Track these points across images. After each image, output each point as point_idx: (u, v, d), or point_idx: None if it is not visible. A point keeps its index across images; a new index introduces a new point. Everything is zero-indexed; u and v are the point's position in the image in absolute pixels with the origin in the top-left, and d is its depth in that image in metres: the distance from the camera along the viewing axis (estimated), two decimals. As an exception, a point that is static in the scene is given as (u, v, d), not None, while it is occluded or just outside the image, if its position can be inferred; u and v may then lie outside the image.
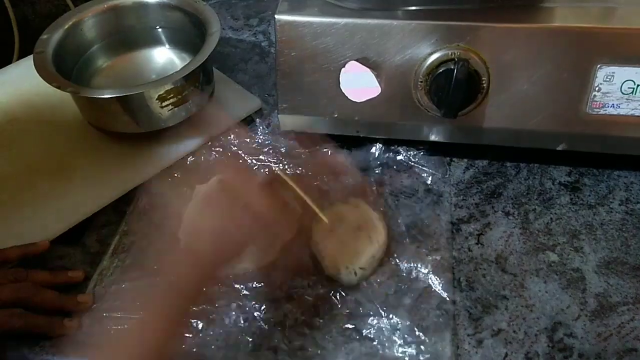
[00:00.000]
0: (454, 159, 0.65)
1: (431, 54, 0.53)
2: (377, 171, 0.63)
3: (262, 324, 0.51)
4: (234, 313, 0.52)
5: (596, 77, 0.52)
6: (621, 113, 0.54)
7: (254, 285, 0.54)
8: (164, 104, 0.62)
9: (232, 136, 0.67)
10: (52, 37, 0.66)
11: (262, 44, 0.81)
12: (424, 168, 0.63)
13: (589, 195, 0.61)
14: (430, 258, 0.55)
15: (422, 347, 0.49)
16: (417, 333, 0.50)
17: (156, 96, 0.61)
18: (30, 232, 0.58)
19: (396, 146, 0.64)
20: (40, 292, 0.52)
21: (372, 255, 0.53)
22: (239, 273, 0.55)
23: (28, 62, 0.73)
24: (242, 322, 0.52)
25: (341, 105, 0.58)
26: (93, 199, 0.62)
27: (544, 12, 0.53)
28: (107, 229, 0.60)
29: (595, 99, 0.53)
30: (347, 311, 0.52)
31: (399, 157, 0.64)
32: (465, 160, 0.64)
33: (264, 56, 0.80)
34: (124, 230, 0.60)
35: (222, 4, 0.88)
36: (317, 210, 0.51)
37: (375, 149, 0.64)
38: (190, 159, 0.66)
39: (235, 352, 0.50)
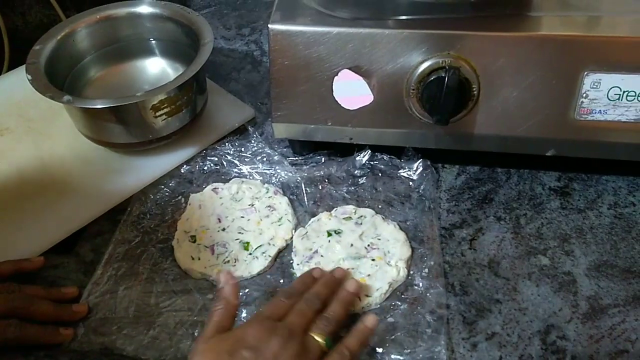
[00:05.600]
0: (445, 166, 0.65)
1: (422, 62, 0.54)
2: (367, 178, 0.64)
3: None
4: (229, 321, 0.52)
5: (583, 84, 0.53)
6: (608, 119, 0.55)
7: (248, 292, 0.55)
8: (157, 113, 0.62)
9: (226, 145, 0.67)
10: (45, 48, 0.66)
11: (254, 53, 0.82)
12: (415, 175, 0.64)
13: (579, 200, 0.62)
14: (424, 263, 0.56)
15: (417, 351, 0.50)
16: (411, 338, 0.51)
17: (150, 106, 0.61)
18: (24, 242, 0.58)
19: (388, 153, 0.65)
20: (35, 303, 0.52)
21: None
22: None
23: (19, 72, 0.73)
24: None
25: (334, 113, 0.58)
26: (87, 208, 0.62)
27: (532, 20, 0.54)
28: (101, 238, 0.60)
29: (583, 106, 0.55)
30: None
31: (388, 165, 0.64)
32: (457, 166, 0.65)
33: (256, 65, 0.80)
34: (117, 239, 0.59)
35: (214, 13, 0.88)
36: None
37: (362, 156, 0.64)
38: (184, 168, 0.66)
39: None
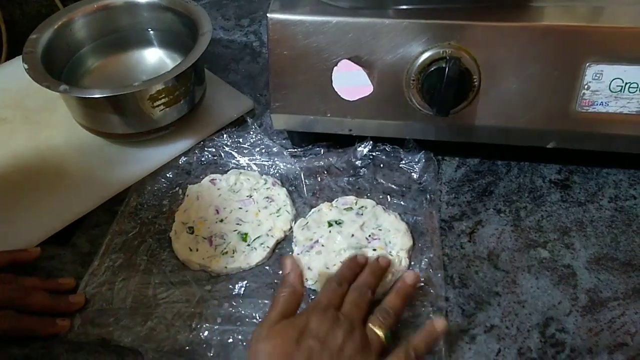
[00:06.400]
0: (445, 158, 0.65)
1: (423, 52, 0.53)
2: (367, 169, 0.64)
3: (255, 321, 0.51)
4: (226, 312, 0.52)
5: (585, 75, 0.53)
6: (610, 111, 0.54)
7: (247, 284, 0.54)
8: (155, 104, 0.62)
9: (224, 136, 0.67)
10: (42, 37, 0.65)
11: (254, 44, 0.81)
12: (415, 167, 0.63)
13: (579, 193, 0.61)
14: (423, 255, 0.55)
15: (416, 344, 0.49)
16: (411, 330, 0.50)
17: (147, 96, 0.61)
18: (21, 233, 0.58)
19: (387, 144, 0.64)
20: (31, 294, 0.52)
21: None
22: (232, 273, 0.55)
23: (16, 62, 0.72)
24: (234, 321, 0.52)
25: (333, 104, 0.58)
26: (84, 199, 0.61)
27: (533, 11, 0.54)
28: (98, 229, 0.60)
29: (585, 97, 0.54)
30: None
31: (390, 156, 0.64)
32: (457, 158, 0.65)
33: (255, 56, 0.80)
34: (115, 230, 0.59)
35: (213, 4, 0.88)
36: None
37: (363, 147, 0.64)
38: (182, 159, 0.66)
39: (227, 350, 0.49)
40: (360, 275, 0.51)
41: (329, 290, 0.48)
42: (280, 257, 0.53)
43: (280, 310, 0.46)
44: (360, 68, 0.55)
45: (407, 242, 0.56)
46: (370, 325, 0.46)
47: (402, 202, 0.60)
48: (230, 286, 0.54)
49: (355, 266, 0.52)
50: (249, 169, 0.64)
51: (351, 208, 0.59)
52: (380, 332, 0.46)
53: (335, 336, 0.44)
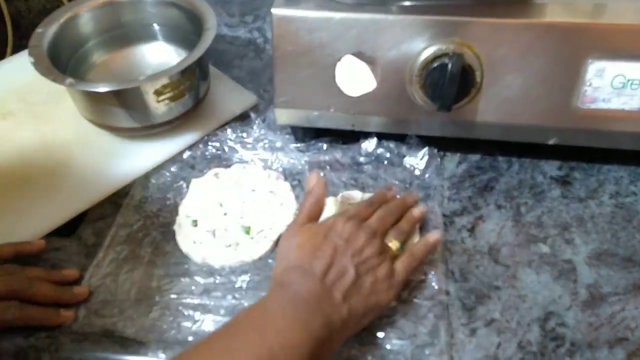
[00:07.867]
0: (447, 153, 0.65)
1: (426, 48, 0.54)
2: (370, 165, 0.64)
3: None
4: (229, 304, 0.53)
5: (587, 71, 0.53)
6: (612, 107, 0.55)
7: (250, 277, 0.55)
8: (160, 98, 0.62)
9: (228, 131, 0.67)
10: (48, 31, 0.66)
11: (258, 40, 0.82)
12: (418, 163, 0.64)
13: (580, 189, 0.62)
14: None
15: (417, 337, 0.50)
16: (411, 323, 0.51)
17: (152, 90, 0.61)
18: (27, 225, 0.58)
19: (390, 140, 0.65)
20: (35, 284, 0.52)
21: None
22: (235, 265, 0.56)
23: (22, 57, 0.73)
24: (237, 313, 0.51)
25: (337, 99, 0.58)
26: (89, 192, 0.62)
27: (536, 7, 0.54)
28: (103, 222, 0.60)
29: (587, 94, 0.55)
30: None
31: (392, 151, 0.64)
32: (458, 154, 0.65)
33: (259, 52, 0.80)
34: (119, 223, 0.60)
35: (218, 1, 0.88)
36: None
37: (368, 144, 0.64)
38: (186, 153, 0.66)
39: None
40: (391, 201, 0.56)
41: (359, 207, 0.54)
42: (310, 172, 0.59)
43: (305, 215, 0.52)
44: (363, 64, 0.55)
45: (413, 237, 0.56)
46: (387, 239, 0.52)
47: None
48: (234, 278, 0.55)
49: (385, 197, 0.57)
50: (252, 163, 0.65)
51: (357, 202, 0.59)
52: (394, 245, 0.52)
53: (358, 238, 0.49)
